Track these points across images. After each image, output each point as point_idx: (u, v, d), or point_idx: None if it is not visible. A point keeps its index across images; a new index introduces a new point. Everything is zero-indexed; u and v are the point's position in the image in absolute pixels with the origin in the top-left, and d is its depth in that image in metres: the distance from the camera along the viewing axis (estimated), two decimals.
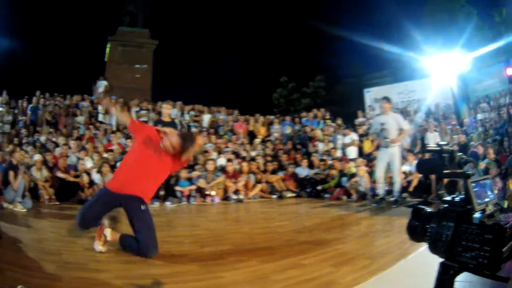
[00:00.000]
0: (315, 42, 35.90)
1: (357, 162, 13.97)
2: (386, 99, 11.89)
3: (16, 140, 15.38)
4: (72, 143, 14.18)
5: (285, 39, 37.79)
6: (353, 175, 13.46)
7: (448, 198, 2.01)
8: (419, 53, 25.18)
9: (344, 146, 17.23)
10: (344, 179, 13.91)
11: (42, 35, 36.52)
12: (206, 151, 15.47)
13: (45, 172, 11.91)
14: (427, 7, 29.54)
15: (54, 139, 15.49)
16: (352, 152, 16.74)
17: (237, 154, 15.96)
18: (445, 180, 2.20)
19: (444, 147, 2.06)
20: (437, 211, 1.94)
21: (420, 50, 25.44)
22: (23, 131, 16.55)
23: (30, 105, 18.48)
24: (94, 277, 4.28)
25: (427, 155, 2.47)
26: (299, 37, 36.67)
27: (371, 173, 13.21)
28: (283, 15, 37.29)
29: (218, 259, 5.16)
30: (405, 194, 12.31)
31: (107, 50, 27.15)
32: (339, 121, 20.09)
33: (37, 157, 12.09)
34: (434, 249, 1.88)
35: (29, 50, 34.57)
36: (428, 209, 2.02)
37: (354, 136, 17.49)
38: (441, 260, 1.87)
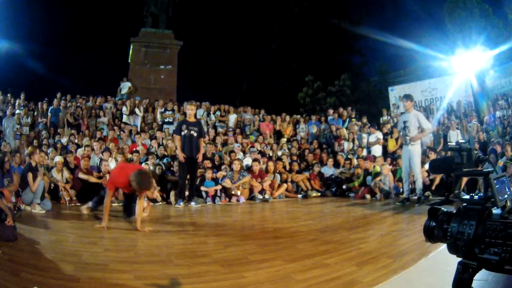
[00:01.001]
0: (340, 41, 35.94)
1: (377, 161, 14.06)
2: (407, 97, 11.83)
3: (35, 142, 15.09)
4: (95, 144, 14.11)
5: (310, 38, 37.48)
6: (377, 174, 13.41)
7: (467, 196, 1.96)
8: (441, 51, 25.37)
9: (369, 145, 17.22)
10: (369, 178, 13.85)
11: (62, 38, 36.77)
12: (232, 151, 15.42)
13: (66, 174, 11.92)
14: (446, 4, 29.24)
15: (76, 141, 15.38)
16: (377, 150, 16.73)
17: (263, 154, 15.92)
18: (465, 179, 2.16)
19: (463, 145, 2.02)
20: (457, 211, 1.91)
21: (442, 48, 25.71)
22: (44, 133, 16.40)
23: (51, 107, 18.36)
24: (113, 277, 4.29)
25: (448, 153, 2.42)
26: (324, 36, 36.46)
27: (395, 172, 13.38)
28: (308, 14, 37.09)
29: (241, 259, 5.16)
30: (427, 193, 12.20)
31: (130, 51, 26.97)
32: (364, 120, 20.03)
33: (58, 158, 12.11)
34: (454, 249, 1.84)
35: (48, 53, 34.83)
36: (445, 209, 1.98)
37: (379, 135, 17.45)
38: (460, 259, 1.84)
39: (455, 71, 23.46)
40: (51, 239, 6.57)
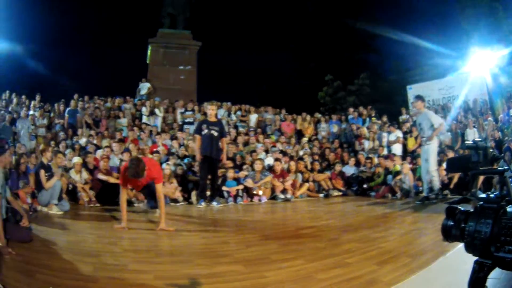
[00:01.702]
0: (357, 40, 35.64)
1: (395, 159, 14.06)
2: (418, 97, 11.86)
3: (52, 143, 14.77)
4: (115, 145, 13.89)
5: (327, 37, 37.43)
6: (398, 173, 13.37)
7: (483, 195, 1.94)
8: (456, 49, 25.30)
9: (389, 144, 17.15)
10: (389, 177, 13.84)
11: (78, 39, 36.87)
12: (254, 151, 15.35)
13: (85, 175, 11.74)
14: (459, 3, 29.22)
15: (95, 142, 15.20)
16: (397, 149, 16.63)
17: (284, 153, 15.81)
18: (481, 177, 2.15)
19: (479, 144, 2.00)
20: (474, 210, 1.90)
21: (457, 46, 25.68)
22: (61, 134, 16.18)
23: (68, 108, 18.15)
24: (133, 278, 4.31)
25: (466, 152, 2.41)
26: (341, 35, 36.29)
27: (415, 171, 13.31)
28: (327, 13, 36.99)
29: (263, 258, 5.18)
30: (446, 191, 12.26)
31: (148, 52, 26.93)
32: (384, 119, 19.96)
33: (76, 159, 11.97)
34: (471, 248, 1.84)
35: (63, 55, 34.95)
36: (462, 209, 1.97)
37: (398, 134, 17.34)
38: (476, 258, 1.83)
39: (471, 69, 23.23)
40: (68, 239, 6.53)
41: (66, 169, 11.66)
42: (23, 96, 19.53)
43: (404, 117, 20.83)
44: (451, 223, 1.93)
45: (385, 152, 16.57)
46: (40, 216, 8.79)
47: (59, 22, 34.84)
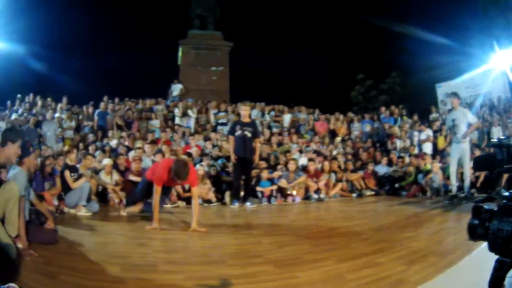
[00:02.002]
0: (388, 38, 35.46)
1: (426, 158, 14.12)
2: (455, 94, 11.96)
3: (81, 145, 15.15)
4: (147, 146, 13.77)
5: (359, 36, 37.50)
6: (428, 172, 13.38)
7: (507, 193, 1.90)
8: (481, 47, 25.24)
9: (420, 143, 17.17)
10: (420, 176, 13.81)
11: (107, 41, 37.11)
12: (288, 151, 15.34)
13: (116, 176, 11.75)
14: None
15: (126, 143, 15.33)
16: (428, 148, 16.66)
17: (318, 153, 15.82)
18: (505, 176, 2.08)
19: (503, 142, 1.98)
20: (498, 208, 1.88)
21: (482, 43, 25.68)
22: (90, 136, 16.36)
23: (97, 110, 18.17)
24: (162, 278, 4.31)
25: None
26: (373, 34, 36.21)
27: (444, 169, 13.24)
28: (356, 12, 36.91)
29: (295, 259, 5.17)
30: (473, 190, 12.17)
31: (179, 53, 27.12)
32: (415, 117, 20.06)
33: (107, 161, 11.94)
34: (494, 247, 1.82)
35: (92, 56, 35.23)
36: (487, 207, 1.95)
37: (429, 132, 17.35)
38: (497, 257, 1.83)
39: (494, 66, 23.09)
40: (96, 241, 6.57)
41: (96, 171, 11.70)
42: (49, 99, 19.60)
43: (434, 115, 20.78)
44: (477, 222, 1.91)
45: (416, 151, 16.58)
46: (68, 218, 8.81)
47: (88, 25, 35.19)
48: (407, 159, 15.32)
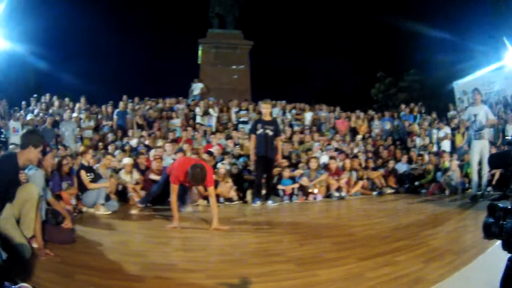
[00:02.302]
0: (406, 36, 35.55)
1: (444, 156, 14.13)
2: (477, 90, 11.94)
3: (100, 145, 15.10)
4: (168, 145, 13.72)
5: (379, 35, 37.87)
6: (447, 170, 13.40)
7: None
8: (494, 44, 25.31)
9: (439, 140, 17.18)
10: (439, 173, 13.82)
11: (125, 41, 37.30)
12: (309, 149, 15.37)
13: (137, 175, 11.68)
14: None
15: (146, 142, 15.25)
16: (446, 146, 16.68)
17: (339, 151, 15.68)
18: None
19: None
20: (511, 207, 1.88)
21: (495, 40, 25.64)
22: (110, 135, 16.20)
23: (117, 110, 18.05)
24: (182, 277, 4.31)
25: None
26: (391, 32, 36.47)
27: (461, 167, 13.33)
28: (375, 11, 37.12)
29: (315, 257, 5.22)
30: (488, 188, 12.17)
31: (199, 52, 27.05)
32: (434, 115, 20.06)
33: (127, 160, 11.86)
34: (507, 245, 1.86)
35: (110, 56, 35.42)
36: (502, 205, 1.97)
37: (447, 130, 17.39)
38: (510, 255, 1.88)
39: (506, 63, 22.97)
40: (115, 240, 6.56)
41: (116, 170, 11.71)
42: (67, 99, 19.68)
43: (452, 113, 20.73)
44: (492, 220, 1.93)
45: (434, 148, 16.58)
46: (86, 217, 8.76)
47: (107, 25, 35.42)
48: (426, 157, 15.24)
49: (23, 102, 18.76)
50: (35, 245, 5.01)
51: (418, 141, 17.58)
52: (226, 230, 7.11)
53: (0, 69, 25.42)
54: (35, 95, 19.48)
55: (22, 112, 17.59)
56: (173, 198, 7.55)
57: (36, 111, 17.89)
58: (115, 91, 21.93)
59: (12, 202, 4.90)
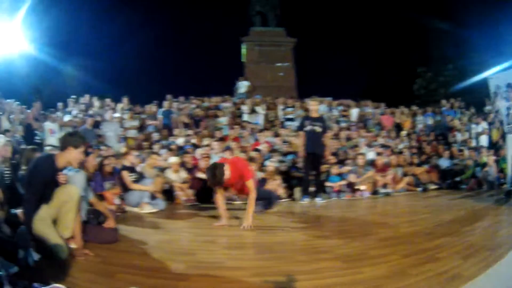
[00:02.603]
0: (444, 32, 35.43)
1: (482, 151, 14.26)
2: (510, 85, 11.73)
3: (145, 144, 15.27)
4: (215, 143, 13.92)
5: (414, 29, 37.67)
6: (484, 165, 13.50)
7: None
8: None
9: (477, 135, 17.19)
10: (477, 169, 13.95)
11: (170, 41, 37.65)
12: (356, 146, 15.47)
13: (183, 174, 11.72)
14: None
15: (193, 141, 15.33)
16: (484, 141, 16.69)
17: (385, 147, 15.71)
18: None
19: None
20: None
21: None
22: (155, 135, 16.46)
23: (161, 109, 18.38)
24: (228, 275, 4.33)
25: None
26: (429, 27, 36.62)
27: (497, 162, 13.39)
28: (413, 9, 36.81)
29: (361, 254, 5.25)
30: None
31: (243, 51, 28.00)
32: (472, 110, 20.08)
33: (174, 159, 11.89)
34: None
35: (157, 57, 35.75)
36: None
37: (484, 125, 17.33)
38: None
39: None
40: (160, 239, 6.49)
41: (162, 169, 11.75)
42: (107, 99, 19.62)
43: (488, 107, 20.06)
44: None
45: (473, 144, 16.64)
46: (131, 217, 8.81)
47: (150, 24, 35.80)
48: (466, 152, 15.33)
49: (60, 104, 18.68)
50: (73, 246, 5.06)
51: (459, 136, 17.61)
52: (253, 229, 7.06)
53: (33, 72, 25.87)
54: (73, 96, 19.52)
55: (59, 113, 17.55)
56: (218, 197, 7.62)
57: (74, 112, 17.89)
58: (159, 91, 22.07)
59: (48, 203, 4.95)
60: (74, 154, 5.12)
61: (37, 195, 4.92)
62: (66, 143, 5.12)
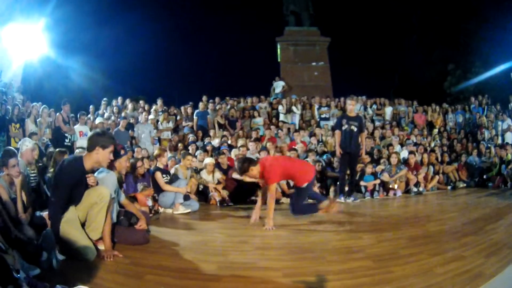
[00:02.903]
0: (470, 28, 35.07)
1: (507, 149, 14.11)
2: None
3: (180, 146, 15.24)
4: (251, 144, 14.01)
5: (443, 27, 36.78)
6: (510, 162, 13.51)
7: None
8: None
9: (503, 132, 17.17)
10: (503, 166, 13.91)
11: (203, 42, 37.86)
12: (390, 144, 15.32)
13: (219, 175, 11.88)
14: None
15: (229, 142, 15.50)
16: (509, 138, 16.71)
17: (418, 145, 15.84)
18: None
19: None
20: None
21: None
22: (190, 136, 16.45)
23: (197, 110, 18.44)
24: (260, 275, 4.35)
25: None
26: (457, 24, 35.81)
27: None
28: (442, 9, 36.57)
29: (392, 253, 5.28)
30: None
31: (278, 50, 27.38)
32: (498, 107, 19.92)
33: (209, 160, 12.06)
34: None
35: (193, 58, 35.87)
36: None
37: (509, 122, 17.36)
38: None
39: None
40: (192, 239, 6.55)
41: (197, 170, 11.91)
42: (141, 101, 19.83)
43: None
44: None
45: (499, 141, 16.60)
46: (163, 218, 8.92)
47: (184, 26, 36.02)
48: (493, 150, 15.31)
49: (91, 106, 18.93)
50: (101, 247, 5.10)
51: (487, 134, 17.55)
52: (268, 231, 7.06)
53: (55, 76, 26.29)
54: (105, 99, 19.67)
55: (90, 116, 17.65)
56: (270, 199, 7.51)
57: (106, 115, 18.13)
58: (194, 92, 22.25)
59: (76, 205, 5.00)
60: (102, 155, 5.10)
61: (64, 198, 4.95)
62: (93, 143, 5.09)
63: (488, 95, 22.37)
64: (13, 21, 19.06)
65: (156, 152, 10.88)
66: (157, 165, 10.30)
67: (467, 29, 34.34)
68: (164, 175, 9.94)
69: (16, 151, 6.73)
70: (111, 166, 6.09)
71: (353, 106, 11.90)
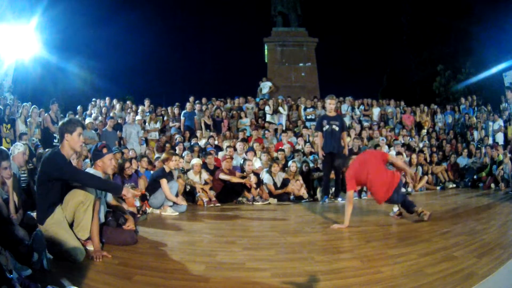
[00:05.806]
0: (461, 28, 35.29)
1: (499, 149, 14.34)
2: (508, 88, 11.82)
3: (167, 146, 15.38)
4: (238, 144, 14.28)
5: (433, 27, 37.28)
6: (501, 163, 13.57)
7: None
8: None
9: (494, 133, 17.28)
10: (494, 167, 14.04)
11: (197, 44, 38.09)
12: (377, 145, 15.48)
13: (205, 175, 12.00)
14: None
15: (216, 142, 15.74)
16: (500, 138, 16.84)
17: (406, 146, 16.10)
18: None
19: None
20: None
21: None
22: (177, 136, 16.55)
23: (184, 111, 18.60)
24: (248, 276, 4.35)
25: None
26: (445, 24, 36.12)
27: None
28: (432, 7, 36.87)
29: (380, 253, 5.33)
30: None
31: (266, 51, 27.80)
32: (489, 107, 20.15)
33: (196, 161, 12.12)
34: None
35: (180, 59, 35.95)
36: None
37: (500, 122, 17.49)
38: None
39: None
40: (180, 240, 6.59)
41: (184, 171, 11.97)
42: (128, 102, 20.13)
43: (504, 105, 20.47)
44: None
45: (490, 141, 16.77)
46: (152, 218, 8.97)
47: (168, 26, 36.17)
48: (483, 150, 15.44)
49: (79, 107, 19.01)
50: (90, 248, 5.11)
51: (476, 134, 17.87)
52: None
53: (46, 75, 26.25)
54: (93, 99, 20.01)
55: (78, 116, 17.69)
56: (348, 207, 7.47)
57: (94, 115, 18.11)
58: (182, 92, 22.46)
59: (63, 206, 5.00)
60: (71, 139, 5.16)
61: (48, 191, 5.00)
62: (61, 132, 5.17)
63: (480, 96, 22.71)
64: (4, 21, 19.05)
65: (163, 155, 10.69)
66: (164, 168, 10.11)
67: (458, 28, 34.58)
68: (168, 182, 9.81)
69: (8, 153, 6.73)
70: (94, 166, 6.08)
71: (333, 105, 11.87)
